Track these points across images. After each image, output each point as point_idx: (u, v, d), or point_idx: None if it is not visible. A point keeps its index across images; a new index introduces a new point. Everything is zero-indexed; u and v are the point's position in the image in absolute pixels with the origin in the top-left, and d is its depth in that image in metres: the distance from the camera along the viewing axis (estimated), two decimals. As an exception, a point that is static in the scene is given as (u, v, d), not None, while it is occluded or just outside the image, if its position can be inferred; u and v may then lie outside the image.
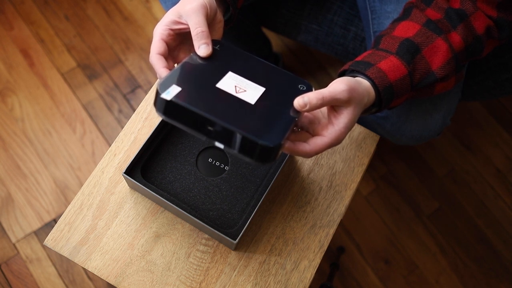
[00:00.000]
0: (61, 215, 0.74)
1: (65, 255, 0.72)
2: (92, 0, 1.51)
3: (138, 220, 0.74)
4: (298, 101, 0.57)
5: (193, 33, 0.62)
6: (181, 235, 0.73)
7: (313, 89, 0.61)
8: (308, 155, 0.59)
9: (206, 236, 0.73)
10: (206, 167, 0.74)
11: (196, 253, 0.72)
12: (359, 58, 0.67)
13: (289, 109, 0.58)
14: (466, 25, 0.69)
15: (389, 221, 1.30)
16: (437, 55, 0.68)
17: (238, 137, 0.52)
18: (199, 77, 0.60)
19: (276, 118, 0.56)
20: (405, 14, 0.72)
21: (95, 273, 0.71)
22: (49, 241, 0.72)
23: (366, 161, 0.79)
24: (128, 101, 1.40)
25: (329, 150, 0.79)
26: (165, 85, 0.55)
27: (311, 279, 0.72)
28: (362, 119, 0.95)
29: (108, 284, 1.14)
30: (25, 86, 1.40)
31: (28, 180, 1.30)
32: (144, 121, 0.79)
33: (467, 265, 1.27)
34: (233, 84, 0.60)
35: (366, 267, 1.26)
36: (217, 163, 0.75)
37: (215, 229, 0.68)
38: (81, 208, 0.74)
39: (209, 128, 0.53)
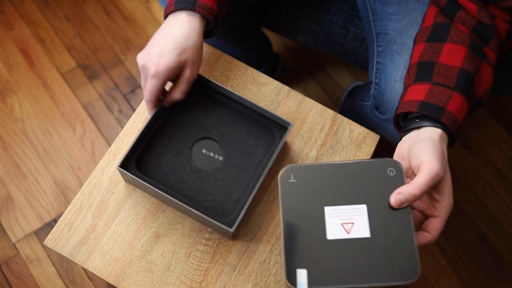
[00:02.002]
0: (61, 215, 0.74)
1: (65, 255, 0.72)
2: (92, 0, 1.51)
3: (138, 220, 0.74)
4: (395, 201, 0.56)
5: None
6: (181, 235, 0.73)
7: (402, 169, 0.58)
8: (433, 241, 0.59)
9: (206, 236, 0.73)
10: (200, 159, 0.75)
11: (196, 253, 0.72)
12: (421, 97, 0.63)
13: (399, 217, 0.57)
14: (497, 38, 0.66)
15: (389, 221, 1.30)
16: (483, 81, 0.65)
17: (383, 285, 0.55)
18: (308, 238, 0.57)
19: (398, 244, 0.56)
20: (441, 30, 0.67)
21: (95, 273, 0.71)
22: (49, 241, 0.72)
23: (366, 161, 0.79)
24: (128, 101, 1.40)
25: (329, 150, 0.79)
26: (290, 272, 0.55)
27: (311, 279, 0.72)
28: (364, 121, 0.95)
29: (108, 284, 1.14)
30: (25, 86, 1.40)
31: (28, 180, 1.30)
32: (144, 121, 0.79)
33: (467, 265, 1.27)
34: (339, 222, 0.58)
35: (366, 267, 1.26)
36: (211, 154, 0.75)
37: (211, 218, 0.68)
38: (81, 208, 0.74)
39: None
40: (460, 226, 1.30)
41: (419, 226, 0.60)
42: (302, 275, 0.55)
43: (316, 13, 1.08)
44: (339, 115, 0.82)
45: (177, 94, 0.72)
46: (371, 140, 0.80)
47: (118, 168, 0.70)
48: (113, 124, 1.37)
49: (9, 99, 1.38)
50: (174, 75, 0.71)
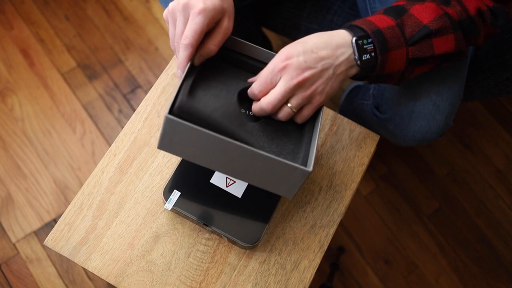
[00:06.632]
0: (61, 215, 0.74)
1: (65, 255, 0.72)
2: (92, 0, 1.51)
3: (138, 220, 0.74)
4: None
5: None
6: (181, 235, 0.73)
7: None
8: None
9: (206, 236, 0.73)
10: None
11: (196, 253, 0.72)
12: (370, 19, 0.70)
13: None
14: (458, 2, 0.69)
15: (389, 221, 1.30)
16: (426, 11, 0.68)
17: (227, 236, 0.70)
18: (196, 173, 0.72)
19: (256, 212, 0.71)
20: None
21: (95, 273, 0.71)
22: (49, 241, 0.72)
23: (366, 161, 0.79)
24: (128, 101, 1.40)
25: (329, 150, 0.79)
26: (169, 189, 0.71)
27: (311, 279, 0.72)
28: (364, 120, 0.95)
29: (108, 284, 1.14)
30: (25, 86, 1.40)
31: (28, 180, 1.30)
32: (144, 121, 0.79)
33: (467, 265, 1.27)
34: (225, 175, 0.70)
35: (366, 267, 1.26)
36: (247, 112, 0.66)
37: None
38: (81, 208, 0.74)
39: (205, 226, 0.71)
40: (460, 226, 1.30)
41: None
42: (175, 195, 0.71)
43: (316, 13, 1.08)
44: (339, 115, 0.82)
45: (212, 46, 0.64)
46: (371, 140, 0.80)
47: (168, 117, 0.56)
48: (113, 124, 1.37)
49: (9, 99, 1.38)
50: (213, 22, 0.63)
